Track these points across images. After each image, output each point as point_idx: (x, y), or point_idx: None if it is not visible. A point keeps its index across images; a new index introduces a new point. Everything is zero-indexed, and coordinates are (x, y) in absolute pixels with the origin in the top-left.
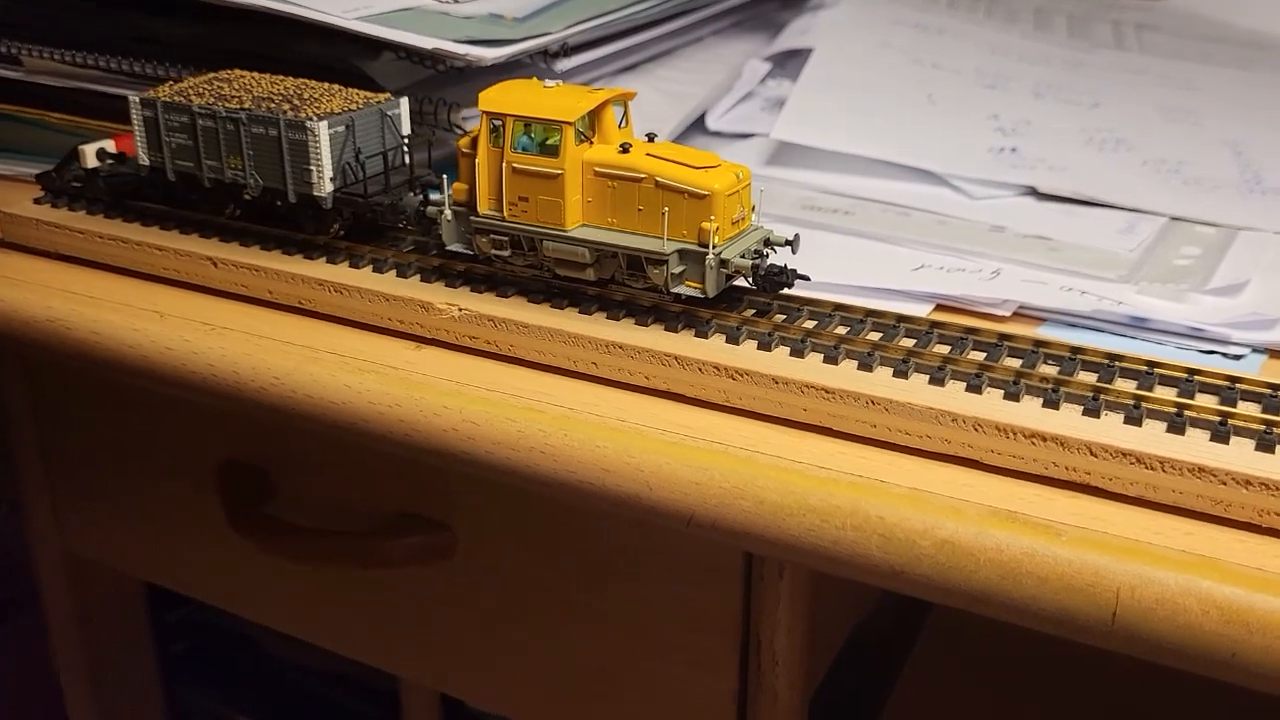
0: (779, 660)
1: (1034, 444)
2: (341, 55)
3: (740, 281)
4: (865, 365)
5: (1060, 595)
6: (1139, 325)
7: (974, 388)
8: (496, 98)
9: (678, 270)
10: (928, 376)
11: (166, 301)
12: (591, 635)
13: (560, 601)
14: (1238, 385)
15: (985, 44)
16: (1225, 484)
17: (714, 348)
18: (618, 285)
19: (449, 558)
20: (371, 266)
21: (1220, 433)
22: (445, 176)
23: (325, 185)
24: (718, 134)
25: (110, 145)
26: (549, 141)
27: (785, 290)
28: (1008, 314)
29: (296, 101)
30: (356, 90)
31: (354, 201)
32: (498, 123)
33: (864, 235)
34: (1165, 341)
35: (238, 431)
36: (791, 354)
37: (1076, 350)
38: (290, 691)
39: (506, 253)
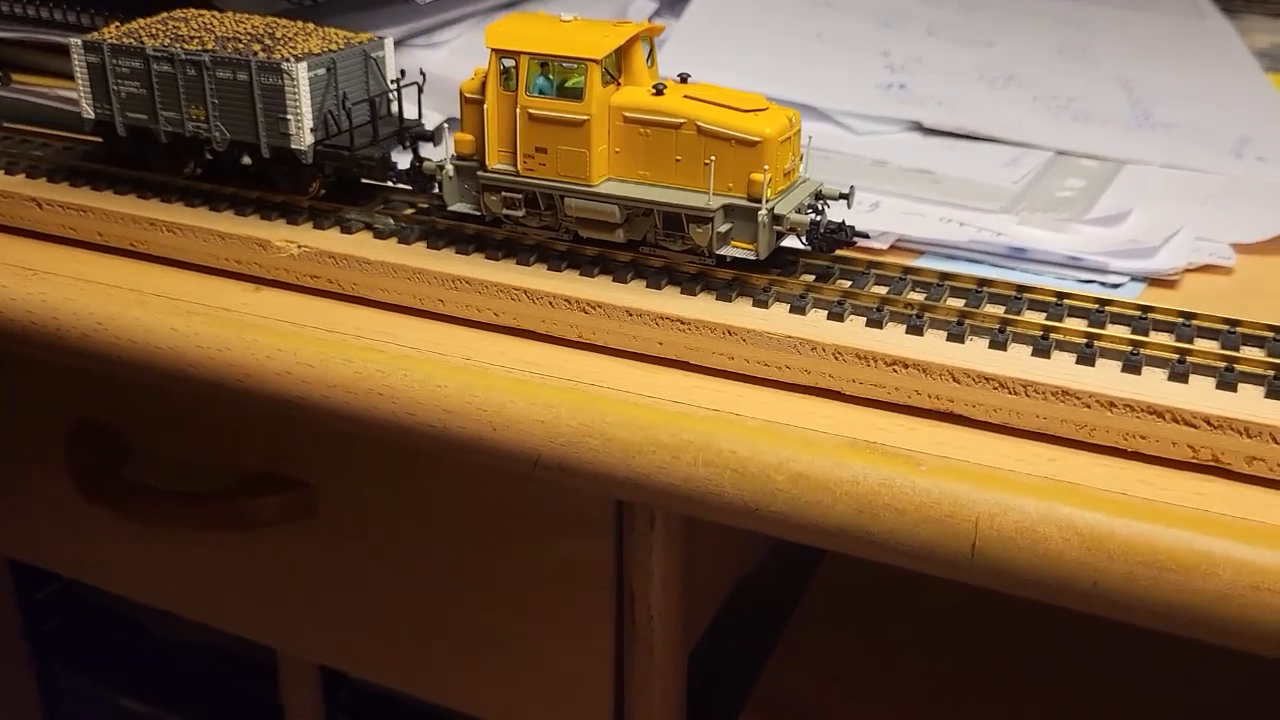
0: (654, 615)
1: (895, 371)
2: None
3: (790, 240)
4: (724, 297)
5: (919, 527)
6: (1017, 256)
7: (836, 315)
8: (507, 33)
9: (724, 229)
10: (788, 306)
11: None
12: (464, 594)
13: (430, 560)
14: (1107, 308)
15: None
16: (1089, 407)
17: (566, 281)
18: (650, 247)
19: (310, 516)
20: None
21: (1086, 355)
22: (446, 125)
23: (305, 137)
24: None
25: None
26: (570, 83)
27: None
28: (885, 246)
29: (268, 42)
30: (333, 29)
31: (339, 155)
32: (509, 62)
33: None
34: (1044, 272)
35: (88, 391)
36: (648, 286)
37: (945, 276)
38: (171, 669)
39: (521, 212)
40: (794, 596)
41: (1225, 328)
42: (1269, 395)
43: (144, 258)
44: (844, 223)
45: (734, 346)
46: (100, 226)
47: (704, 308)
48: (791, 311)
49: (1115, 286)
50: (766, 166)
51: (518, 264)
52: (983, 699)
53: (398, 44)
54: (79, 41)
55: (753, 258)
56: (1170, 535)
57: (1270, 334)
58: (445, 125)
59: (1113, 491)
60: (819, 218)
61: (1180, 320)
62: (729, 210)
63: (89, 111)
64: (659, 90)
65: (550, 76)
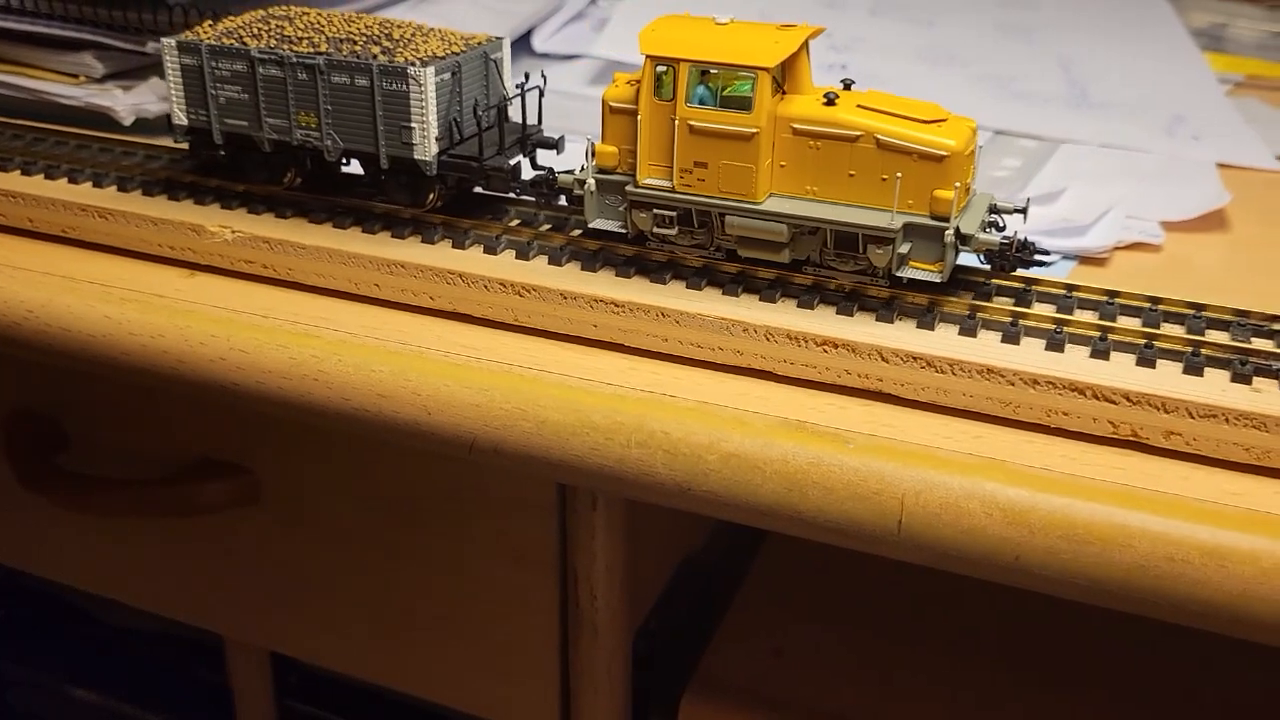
0: (597, 595)
1: (826, 352)
2: None
3: (967, 257)
4: (658, 279)
5: (847, 505)
6: None
7: (768, 298)
8: (662, 38)
9: (904, 249)
10: (721, 289)
11: None
12: (410, 577)
13: (375, 543)
14: (1033, 288)
15: None
16: (1014, 385)
17: (501, 263)
18: (815, 267)
19: (253, 502)
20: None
21: (1011, 334)
22: (590, 141)
23: (430, 147)
24: (545, 55)
25: None
26: (732, 92)
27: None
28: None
29: (386, 44)
30: (449, 30)
31: (466, 167)
32: (665, 69)
33: None
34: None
35: (25, 379)
36: (583, 269)
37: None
38: (120, 657)
39: (673, 231)
40: (739, 573)
41: (1147, 305)
42: (1186, 371)
43: (76, 244)
44: (1029, 241)
45: (667, 328)
46: (31, 213)
47: (638, 290)
48: (724, 294)
49: (1047, 265)
50: (957, 184)
51: (454, 247)
52: (923, 672)
53: None
54: (173, 42)
55: (936, 280)
56: (1089, 509)
57: (1190, 311)
58: (589, 140)
59: (1036, 467)
60: (1007, 239)
61: (1104, 299)
62: (909, 229)
63: (181, 117)
64: (830, 100)
65: (711, 86)
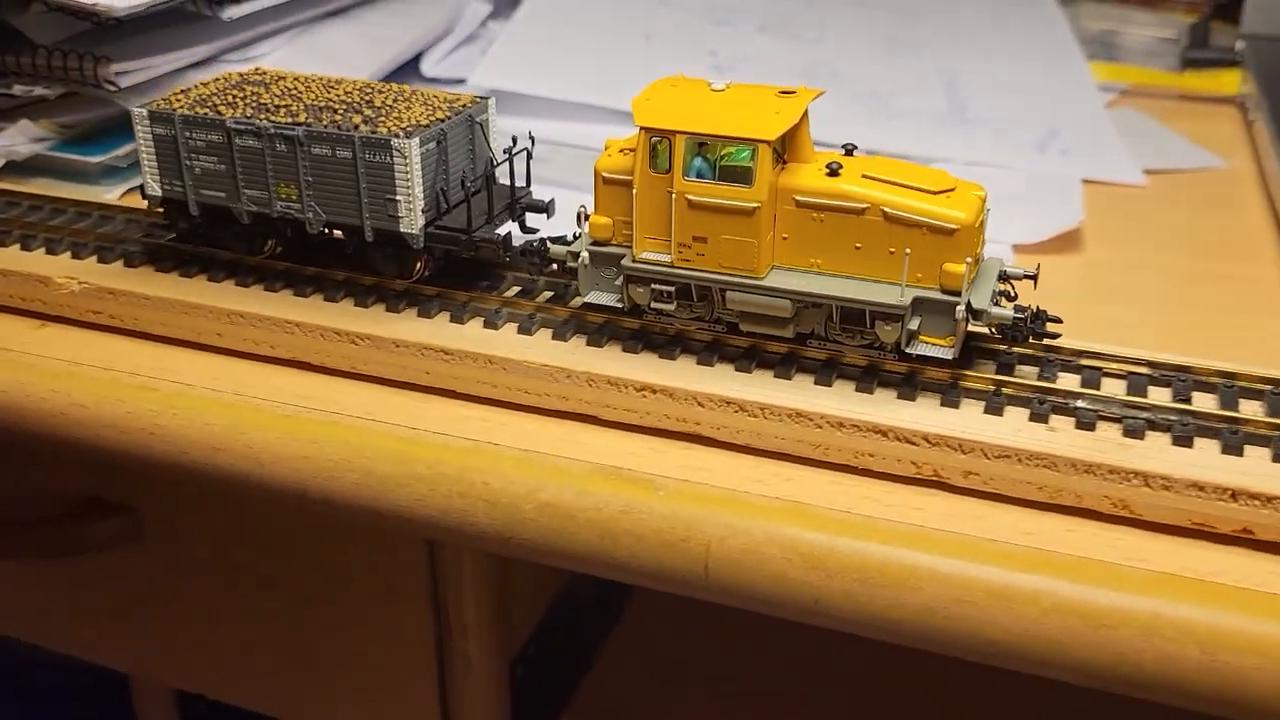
0: (468, 626)
1: (645, 397)
2: None
3: (976, 326)
4: (491, 324)
5: (657, 551)
6: None
7: (594, 343)
8: (657, 108)
9: (913, 324)
10: (550, 332)
11: None
12: (292, 611)
13: (257, 578)
14: None
15: None
16: (821, 428)
17: (340, 312)
18: (820, 341)
19: (137, 540)
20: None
21: (824, 377)
22: (583, 209)
23: (416, 219)
24: (434, 80)
25: None
26: (730, 163)
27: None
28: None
29: (368, 112)
30: (432, 90)
31: (454, 239)
32: (660, 141)
33: (551, 183)
34: None
35: None
36: (419, 315)
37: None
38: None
39: (672, 306)
40: (623, 598)
41: None
42: (987, 411)
43: None
44: (1042, 312)
45: (495, 375)
46: None
47: (469, 338)
48: (554, 339)
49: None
50: (968, 257)
51: (295, 295)
52: (799, 695)
53: (209, 62)
54: (144, 111)
55: (948, 356)
56: (883, 552)
57: (1002, 349)
58: (582, 207)
59: (838, 510)
60: (1022, 312)
61: None
62: (919, 304)
63: (155, 187)
64: (834, 170)
65: (709, 157)
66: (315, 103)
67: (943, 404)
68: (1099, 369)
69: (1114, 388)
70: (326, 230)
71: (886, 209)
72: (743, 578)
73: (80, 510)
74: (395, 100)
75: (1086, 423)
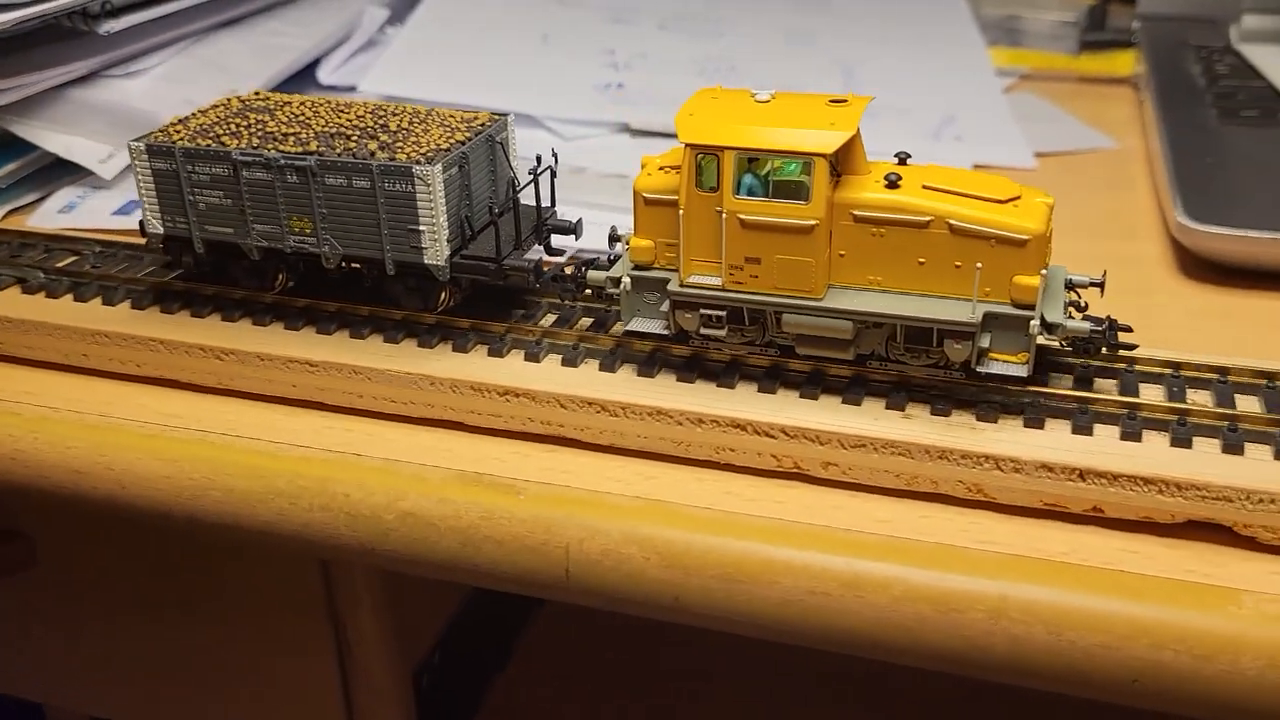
0: (366, 637)
1: (508, 401)
2: None
3: (1048, 339)
4: (357, 334)
5: (518, 556)
6: None
7: (460, 348)
8: (701, 123)
9: (984, 342)
10: (416, 341)
11: None
12: (194, 631)
13: (156, 601)
14: None
15: None
16: (681, 424)
17: (206, 329)
18: (882, 361)
19: (30, 567)
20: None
21: (686, 375)
22: (617, 229)
23: (442, 250)
24: (331, 88)
25: None
26: (782, 178)
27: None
28: (564, 258)
29: (384, 137)
30: (447, 111)
31: (482, 268)
32: (707, 157)
33: None
34: None
35: None
36: (286, 328)
37: (575, 299)
38: None
39: (723, 331)
40: (534, 601)
41: None
42: (845, 402)
43: None
44: (1115, 321)
45: (361, 385)
46: None
47: (331, 348)
48: (420, 346)
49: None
50: (1041, 271)
51: (162, 313)
52: (711, 699)
53: (91, 77)
54: (141, 145)
55: (1022, 374)
56: (739, 547)
57: None
58: (618, 231)
59: (698, 506)
60: (1099, 325)
61: None
62: (989, 319)
63: (156, 225)
64: (893, 182)
65: (760, 173)
66: (326, 129)
67: (801, 397)
68: None
69: None
70: (344, 264)
71: (952, 221)
72: (603, 578)
73: None
74: (411, 123)
75: (941, 409)
